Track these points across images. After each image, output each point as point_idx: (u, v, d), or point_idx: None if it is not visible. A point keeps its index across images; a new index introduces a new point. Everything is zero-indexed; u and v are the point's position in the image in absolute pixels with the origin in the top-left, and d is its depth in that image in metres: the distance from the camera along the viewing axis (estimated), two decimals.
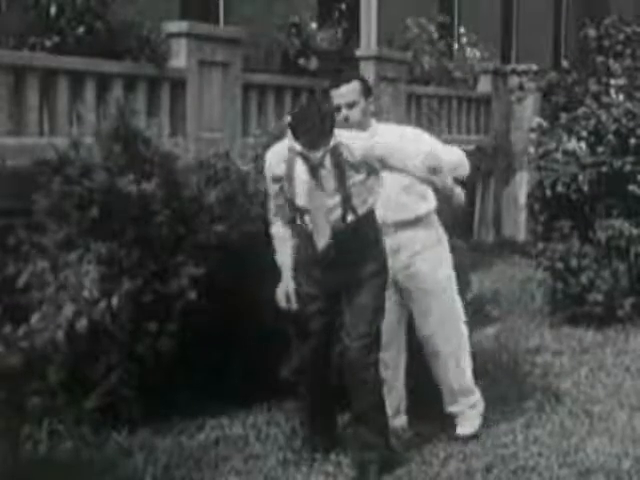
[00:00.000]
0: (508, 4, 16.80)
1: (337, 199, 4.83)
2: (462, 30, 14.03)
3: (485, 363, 6.68)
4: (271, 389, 5.78)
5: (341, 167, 4.77)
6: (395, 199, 5.23)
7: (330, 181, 4.80)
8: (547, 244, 8.66)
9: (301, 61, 10.38)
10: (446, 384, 5.49)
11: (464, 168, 5.46)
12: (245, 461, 5.07)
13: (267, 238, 5.76)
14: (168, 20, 8.70)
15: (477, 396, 5.59)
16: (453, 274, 5.48)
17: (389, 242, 5.15)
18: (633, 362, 7.21)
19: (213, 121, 8.56)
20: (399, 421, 5.50)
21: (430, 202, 5.39)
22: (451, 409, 5.54)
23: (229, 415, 5.70)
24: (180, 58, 8.40)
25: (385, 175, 5.02)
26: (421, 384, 5.69)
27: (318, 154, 4.68)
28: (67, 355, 5.33)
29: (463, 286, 6.27)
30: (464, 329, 5.53)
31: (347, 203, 4.84)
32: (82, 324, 5.26)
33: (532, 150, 9.52)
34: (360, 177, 4.84)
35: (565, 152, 8.92)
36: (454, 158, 5.38)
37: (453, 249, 5.68)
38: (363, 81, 5.32)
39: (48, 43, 7.61)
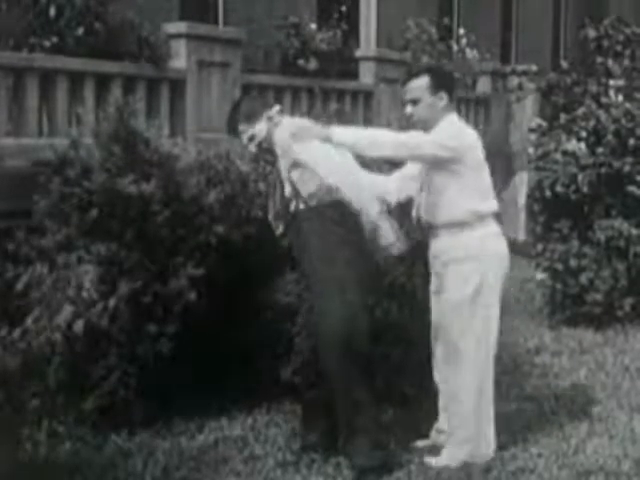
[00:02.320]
0: (507, 5, 16.80)
1: (289, 188, 4.98)
2: (461, 31, 14.02)
3: None
4: (271, 390, 5.78)
5: (270, 157, 5.08)
6: (430, 204, 5.12)
7: (282, 171, 5.03)
8: (546, 244, 8.66)
9: (300, 62, 10.39)
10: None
11: (377, 147, 4.93)
12: (245, 462, 5.06)
13: (267, 239, 5.77)
14: (167, 21, 8.71)
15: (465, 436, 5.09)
16: (489, 298, 5.11)
17: (430, 244, 5.15)
18: (633, 362, 7.21)
19: (212, 122, 8.55)
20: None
21: (472, 206, 5.08)
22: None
23: (229, 416, 5.70)
24: (179, 59, 8.40)
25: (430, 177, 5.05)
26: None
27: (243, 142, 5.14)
28: (66, 356, 5.33)
29: None
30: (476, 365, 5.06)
31: (294, 192, 4.96)
32: (80, 325, 5.26)
33: (531, 151, 9.51)
34: (297, 168, 4.95)
35: (564, 153, 8.92)
36: (362, 134, 4.99)
37: None
38: (434, 75, 5.15)
39: (47, 44, 7.62)
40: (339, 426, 4.97)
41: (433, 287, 5.22)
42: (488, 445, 5.09)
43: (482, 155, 5.13)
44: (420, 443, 5.31)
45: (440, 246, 5.12)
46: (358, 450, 4.89)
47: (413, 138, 5.05)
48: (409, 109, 5.14)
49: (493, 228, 5.22)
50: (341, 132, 4.89)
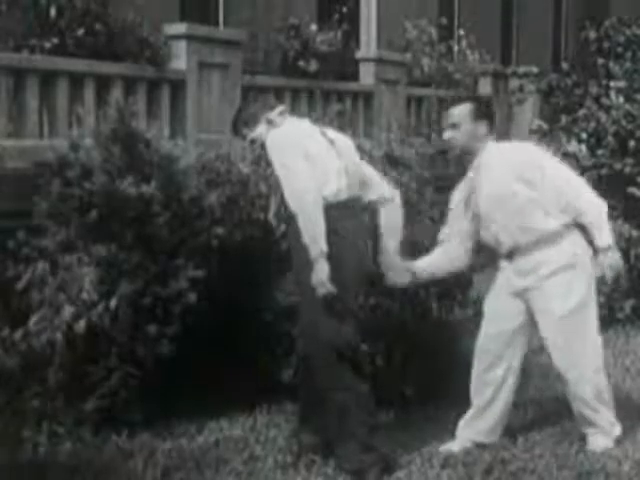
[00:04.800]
0: (508, 6, 16.80)
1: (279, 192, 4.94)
2: (462, 32, 14.01)
3: None
4: (271, 391, 5.78)
5: (263, 161, 5.07)
6: (511, 228, 5.18)
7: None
8: None
9: (301, 63, 10.38)
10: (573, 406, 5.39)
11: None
12: (245, 463, 5.06)
13: (267, 240, 5.78)
14: (168, 22, 8.70)
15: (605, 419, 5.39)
16: (590, 300, 5.28)
17: (521, 264, 5.19)
18: (633, 364, 7.20)
19: (213, 123, 8.55)
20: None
21: (557, 220, 5.19)
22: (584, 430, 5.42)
23: (229, 417, 5.70)
24: (180, 60, 8.40)
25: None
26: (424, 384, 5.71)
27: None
28: (66, 357, 5.34)
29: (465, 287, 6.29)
30: (593, 359, 5.30)
31: (277, 196, 4.95)
32: (81, 326, 5.26)
33: None
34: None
35: (565, 154, 8.90)
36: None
37: None
38: (476, 104, 5.35)
39: (48, 45, 7.61)
40: (329, 429, 4.97)
41: (503, 291, 5.31)
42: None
43: (550, 163, 5.30)
44: (448, 446, 5.34)
45: (533, 262, 5.19)
46: (346, 454, 4.88)
47: None
48: (449, 134, 5.29)
49: (578, 234, 5.29)
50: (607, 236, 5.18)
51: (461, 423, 5.42)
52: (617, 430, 5.39)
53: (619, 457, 5.20)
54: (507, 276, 5.31)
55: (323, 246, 4.65)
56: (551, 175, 5.18)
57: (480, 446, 5.31)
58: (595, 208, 5.18)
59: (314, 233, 4.67)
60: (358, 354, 4.95)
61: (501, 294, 5.34)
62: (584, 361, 5.25)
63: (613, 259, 5.25)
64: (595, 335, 5.30)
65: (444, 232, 5.46)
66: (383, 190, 5.27)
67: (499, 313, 5.33)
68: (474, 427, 5.37)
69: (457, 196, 5.42)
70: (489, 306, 5.42)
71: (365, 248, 5.04)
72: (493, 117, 5.42)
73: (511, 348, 5.31)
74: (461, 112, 5.27)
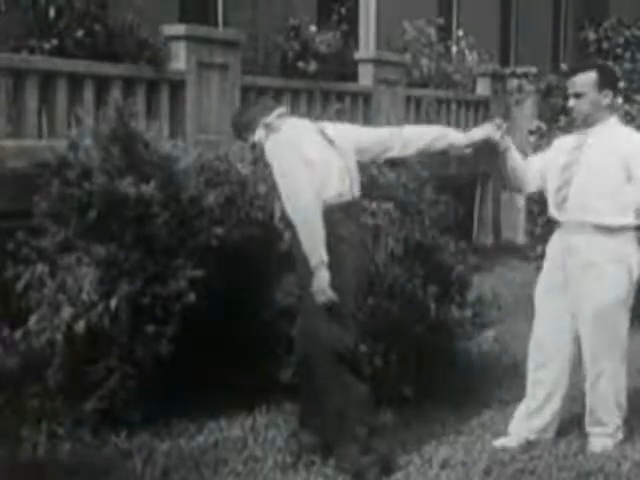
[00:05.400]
0: (507, 6, 16.81)
1: None
2: (461, 33, 14.03)
3: (485, 366, 6.68)
4: (270, 391, 5.78)
5: (261, 162, 5.08)
6: (585, 201, 5.17)
7: None
8: (546, 246, 8.63)
9: (300, 64, 10.39)
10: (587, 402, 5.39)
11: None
12: (244, 463, 5.06)
13: (266, 240, 5.78)
14: (167, 23, 8.71)
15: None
16: (627, 301, 5.23)
17: (570, 241, 5.20)
18: (632, 363, 7.19)
19: (212, 123, 8.56)
20: None
21: (629, 218, 5.17)
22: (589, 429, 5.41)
23: (228, 417, 5.70)
24: (179, 61, 8.41)
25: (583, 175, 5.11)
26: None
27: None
28: (66, 357, 5.34)
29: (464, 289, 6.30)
30: (618, 358, 5.28)
31: (282, 200, 4.89)
32: (80, 326, 5.27)
33: (531, 153, 9.50)
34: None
35: None
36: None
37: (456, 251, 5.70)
38: (602, 72, 5.23)
39: (47, 46, 7.61)
40: (328, 430, 4.98)
41: (551, 287, 5.33)
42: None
43: None
44: (502, 441, 5.37)
45: (584, 242, 5.17)
46: (345, 454, 4.89)
47: None
48: (572, 102, 5.20)
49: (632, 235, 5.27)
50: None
51: (515, 419, 5.44)
52: (620, 435, 5.39)
53: (618, 458, 5.20)
54: (554, 255, 5.36)
55: (323, 255, 4.65)
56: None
57: (534, 443, 5.34)
58: None
59: (314, 242, 4.66)
60: (357, 355, 4.96)
61: (550, 291, 5.34)
62: (609, 356, 5.23)
63: None
64: (624, 336, 5.27)
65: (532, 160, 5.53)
66: (429, 133, 5.33)
67: (549, 311, 5.32)
68: (529, 425, 5.39)
69: (560, 144, 5.43)
70: (539, 304, 5.40)
71: (365, 250, 5.04)
72: (617, 87, 5.39)
73: (563, 345, 5.29)
74: (586, 81, 5.17)
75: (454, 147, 5.44)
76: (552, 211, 5.38)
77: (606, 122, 5.23)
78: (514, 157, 5.42)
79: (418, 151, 5.32)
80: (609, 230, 5.13)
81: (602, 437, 5.33)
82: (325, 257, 4.64)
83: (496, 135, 5.29)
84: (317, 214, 4.69)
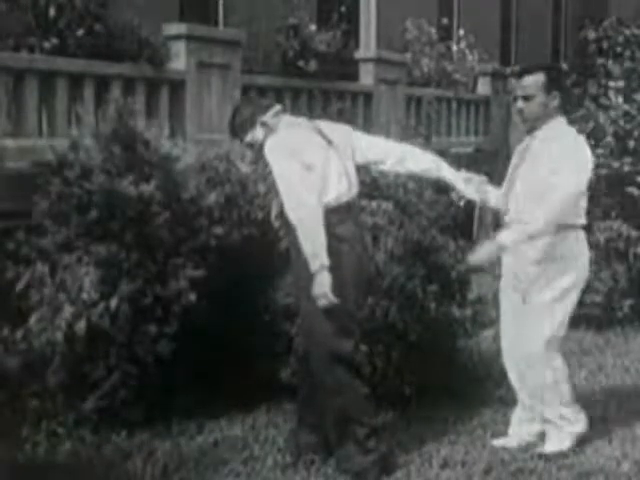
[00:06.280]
0: (507, 6, 16.80)
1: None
2: (461, 32, 14.03)
3: (485, 365, 6.68)
4: (270, 391, 5.78)
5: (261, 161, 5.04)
6: (518, 204, 5.12)
7: None
8: None
9: (300, 63, 10.38)
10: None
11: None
12: (244, 463, 5.06)
13: (266, 240, 5.78)
14: (167, 22, 8.70)
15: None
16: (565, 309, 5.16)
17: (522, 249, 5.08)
18: (632, 364, 7.21)
19: (212, 123, 8.55)
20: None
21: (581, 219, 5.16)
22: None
23: (228, 417, 5.70)
24: (179, 60, 8.40)
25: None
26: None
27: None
28: (66, 357, 5.34)
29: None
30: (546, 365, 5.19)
31: (279, 197, 4.87)
32: (81, 326, 5.27)
33: None
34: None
35: None
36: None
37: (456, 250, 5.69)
38: (550, 73, 5.18)
39: (47, 45, 7.60)
40: (328, 430, 4.98)
41: (507, 286, 5.29)
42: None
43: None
44: (502, 441, 5.37)
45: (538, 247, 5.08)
46: (346, 455, 4.89)
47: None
48: (520, 104, 5.15)
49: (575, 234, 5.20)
50: (506, 236, 4.91)
51: (513, 424, 5.45)
52: (579, 427, 5.31)
53: (618, 457, 5.20)
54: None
55: (324, 259, 4.64)
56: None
57: (534, 443, 5.34)
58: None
59: (315, 247, 4.65)
60: (357, 355, 4.95)
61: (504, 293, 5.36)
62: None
63: None
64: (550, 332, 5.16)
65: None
66: (424, 161, 5.27)
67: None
68: (528, 429, 5.40)
69: (517, 148, 5.36)
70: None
71: (364, 251, 5.04)
72: (565, 87, 5.35)
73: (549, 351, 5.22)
74: (534, 83, 5.11)
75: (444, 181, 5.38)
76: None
77: (553, 124, 5.15)
78: (495, 195, 5.38)
79: (409, 173, 5.35)
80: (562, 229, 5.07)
81: (553, 434, 5.32)
82: (326, 261, 4.64)
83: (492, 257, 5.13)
84: (318, 219, 4.69)
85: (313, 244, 4.65)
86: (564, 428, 5.28)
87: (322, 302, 4.66)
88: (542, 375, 5.19)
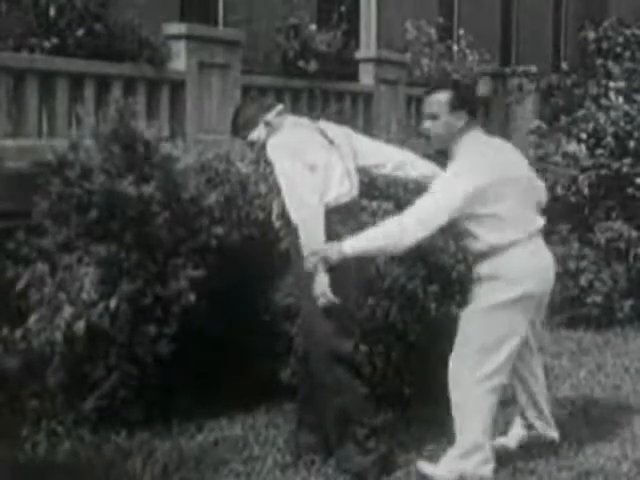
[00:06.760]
0: (507, 6, 16.80)
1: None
2: (461, 32, 14.02)
3: None
4: (270, 391, 5.78)
5: (262, 160, 5.05)
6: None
7: None
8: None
9: (300, 63, 10.38)
10: None
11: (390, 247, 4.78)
12: (244, 463, 5.06)
13: (266, 240, 5.78)
14: (167, 22, 8.70)
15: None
16: (488, 324, 4.85)
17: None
18: (632, 364, 7.21)
19: (212, 123, 8.55)
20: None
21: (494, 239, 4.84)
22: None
23: (228, 417, 5.70)
24: (179, 60, 8.40)
25: None
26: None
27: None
28: (66, 357, 5.34)
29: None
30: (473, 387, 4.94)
31: (280, 197, 4.87)
32: (80, 326, 5.27)
33: (531, 152, 9.52)
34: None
35: (564, 154, 8.93)
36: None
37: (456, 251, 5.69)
38: (457, 93, 4.91)
39: (47, 45, 7.60)
40: (328, 430, 4.98)
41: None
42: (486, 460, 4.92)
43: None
44: (502, 441, 5.32)
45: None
46: (346, 455, 4.89)
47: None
48: (427, 124, 4.95)
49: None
50: (352, 243, 4.67)
51: (513, 427, 5.43)
52: (478, 457, 4.90)
53: (618, 457, 5.20)
54: None
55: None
56: None
57: (534, 443, 5.31)
58: None
59: (315, 246, 4.66)
60: (357, 356, 4.95)
61: None
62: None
63: None
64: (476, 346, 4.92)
65: None
66: (423, 168, 5.23)
67: None
68: (528, 432, 5.39)
69: None
70: None
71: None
72: (475, 105, 5.06)
73: (517, 360, 5.15)
74: (439, 102, 4.86)
75: None
76: None
77: (459, 145, 4.89)
78: None
79: (408, 178, 5.32)
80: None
81: (448, 457, 5.00)
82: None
83: None
84: (320, 219, 4.70)
85: (314, 244, 4.65)
86: (469, 456, 4.92)
87: (322, 301, 4.66)
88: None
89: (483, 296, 4.89)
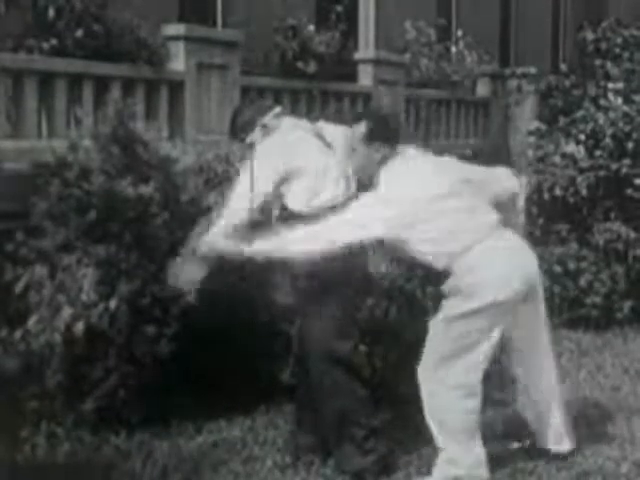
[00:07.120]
0: (506, 7, 16.81)
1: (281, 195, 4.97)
2: (460, 33, 14.02)
3: None
4: (270, 392, 5.78)
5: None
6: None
7: None
8: (545, 247, 8.66)
9: (299, 64, 10.38)
10: None
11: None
12: (243, 464, 5.07)
13: None
14: (166, 23, 8.70)
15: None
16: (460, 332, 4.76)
17: None
18: (631, 365, 7.21)
19: (211, 124, 8.55)
20: None
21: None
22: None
23: (227, 418, 5.70)
24: (178, 61, 8.40)
25: None
26: None
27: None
28: (65, 358, 5.33)
29: None
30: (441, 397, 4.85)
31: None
32: (79, 327, 5.26)
33: (530, 153, 9.52)
34: None
35: (563, 155, 8.93)
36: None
37: None
38: (373, 124, 4.83)
39: (46, 46, 7.60)
40: (327, 431, 4.97)
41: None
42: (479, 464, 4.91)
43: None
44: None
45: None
46: (345, 456, 4.90)
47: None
48: (350, 155, 4.91)
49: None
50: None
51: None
52: (468, 460, 4.84)
53: (617, 458, 5.21)
54: None
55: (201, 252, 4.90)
56: None
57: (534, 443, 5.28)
58: None
59: (214, 241, 4.86)
60: (355, 356, 4.95)
61: None
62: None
63: None
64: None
65: None
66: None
67: None
68: None
69: None
70: None
71: (363, 252, 5.04)
72: (394, 137, 4.86)
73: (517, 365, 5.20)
74: (355, 135, 4.82)
75: None
76: None
77: (379, 175, 4.80)
78: None
79: None
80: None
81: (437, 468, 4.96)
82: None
83: None
84: (236, 227, 4.84)
85: (216, 238, 4.85)
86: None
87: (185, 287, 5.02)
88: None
89: (446, 308, 4.82)
